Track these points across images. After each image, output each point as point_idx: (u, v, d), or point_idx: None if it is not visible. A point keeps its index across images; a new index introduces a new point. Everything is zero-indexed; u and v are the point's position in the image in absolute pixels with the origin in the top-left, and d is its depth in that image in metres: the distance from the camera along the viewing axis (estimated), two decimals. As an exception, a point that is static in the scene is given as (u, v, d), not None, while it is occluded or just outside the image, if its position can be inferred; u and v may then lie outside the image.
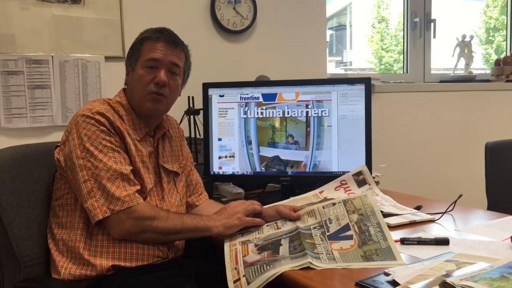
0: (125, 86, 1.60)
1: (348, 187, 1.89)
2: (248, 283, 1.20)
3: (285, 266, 1.22)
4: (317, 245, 1.33)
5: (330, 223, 1.41)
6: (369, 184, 1.89)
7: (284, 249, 1.33)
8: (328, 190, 1.88)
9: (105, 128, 1.42)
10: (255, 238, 1.42)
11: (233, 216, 1.47)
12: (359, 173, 1.91)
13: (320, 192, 1.88)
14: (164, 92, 1.52)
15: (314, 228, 1.41)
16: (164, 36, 1.53)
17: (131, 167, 1.44)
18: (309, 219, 1.45)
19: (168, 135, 1.66)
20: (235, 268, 1.28)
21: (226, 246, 1.40)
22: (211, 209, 1.65)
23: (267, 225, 1.49)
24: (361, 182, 1.90)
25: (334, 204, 1.47)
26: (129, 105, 1.54)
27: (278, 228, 1.46)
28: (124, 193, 1.37)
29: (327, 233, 1.38)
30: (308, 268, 1.22)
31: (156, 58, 1.50)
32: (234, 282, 1.24)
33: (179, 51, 1.55)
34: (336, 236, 1.37)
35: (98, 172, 1.37)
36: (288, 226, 1.45)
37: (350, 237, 1.35)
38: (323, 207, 1.48)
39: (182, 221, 1.42)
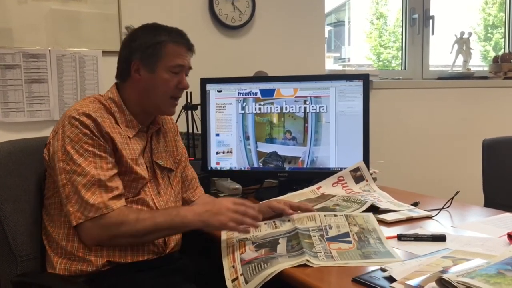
0: (116, 79, 1.57)
1: (346, 183, 1.89)
2: (246, 282, 1.19)
3: (283, 264, 1.22)
4: (315, 245, 1.32)
5: (330, 229, 1.41)
6: (367, 180, 1.90)
7: (281, 247, 1.32)
8: (326, 186, 1.89)
9: (88, 131, 1.38)
10: (253, 236, 1.42)
11: (216, 217, 1.37)
12: (357, 169, 1.91)
13: (318, 188, 1.89)
14: (181, 96, 1.58)
15: (313, 230, 1.41)
16: (185, 41, 1.54)
17: (113, 172, 1.40)
18: (309, 222, 1.44)
19: (162, 131, 1.65)
20: (233, 266, 1.28)
21: (223, 243, 1.40)
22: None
23: (265, 223, 1.48)
24: (358, 178, 1.90)
25: (336, 215, 1.47)
26: (122, 102, 1.51)
27: (276, 228, 1.45)
28: (98, 199, 1.33)
29: (326, 236, 1.38)
30: (306, 265, 1.22)
31: (182, 64, 1.52)
32: (232, 281, 1.23)
33: (192, 54, 1.58)
34: (335, 239, 1.37)
35: (75, 177, 1.35)
36: (287, 227, 1.44)
37: (349, 242, 1.35)
38: (325, 215, 1.47)
39: (154, 221, 1.37)
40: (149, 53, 1.50)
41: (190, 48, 1.55)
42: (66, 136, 1.38)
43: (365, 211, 1.60)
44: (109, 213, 1.34)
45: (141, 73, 1.51)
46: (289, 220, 1.47)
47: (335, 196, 1.79)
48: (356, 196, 1.77)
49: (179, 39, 1.53)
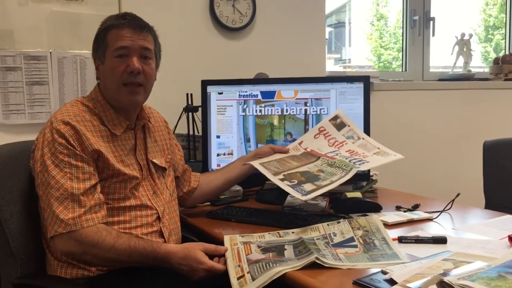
0: (97, 80, 1.54)
1: (327, 132, 1.82)
2: (253, 279, 1.18)
3: (292, 265, 1.21)
4: (322, 250, 1.32)
5: (334, 236, 1.40)
6: (348, 126, 1.82)
7: (289, 253, 1.31)
8: (308, 140, 1.82)
9: (63, 141, 1.35)
10: (257, 240, 1.41)
11: (192, 273, 1.34)
12: (336, 117, 1.84)
13: (300, 143, 1.82)
14: (140, 80, 1.45)
15: (318, 239, 1.39)
16: (128, 22, 1.45)
17: (91, 182, 1.36)
18: (313, 233, 1.43)
19: (152, 128, 1.61)
20: (239, 265, 1.26)
21: (227, 245, 1.39)
22: (210, 181, 1.78)
23: (269, 233, 1.46)
24: (339, 126, 1.83)
25: (339, 222, 1.46)
26: (105, 100, 1.48)
27: (280, 237, 1.44)
28: (69, 215, 1.30)
29: (331, 243, 1.37)
30: (310, 267, 1.21)
31: (124, 46, 1.42)
32: (238, 278, 1.21)
33: (147, 34, 1.47)
34: (340, 245, 1.36)
35: (49, 189, 1.33)
36: (291, 236, 1.42)
37: (355, 246, 1.35)
38: (328, 224, 1.46)
39: (129, 254, 1.33)
40: (98, 45, 1.49)
41: (136, 27, 1.45)
42: (44, 145, 1.37)
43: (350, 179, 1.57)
44: (83, 230, 1.31)
45: (99, 68, 1.49)
46: (293, 232, 1.45)
47: (318, 159, 1.69)
48: (341, 160, 1.65)
49: (120, 21, 1.45)
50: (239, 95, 2.04)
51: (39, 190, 1.37)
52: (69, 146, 1.35)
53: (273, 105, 2.03)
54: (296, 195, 1.49)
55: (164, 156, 1.62)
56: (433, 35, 3.24)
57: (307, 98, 2.01)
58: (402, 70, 3.30)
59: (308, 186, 1.52)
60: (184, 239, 1.59)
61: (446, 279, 0.96)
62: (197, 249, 1.36)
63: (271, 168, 1.66)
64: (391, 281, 1.09)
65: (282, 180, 1.57)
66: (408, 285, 1.03)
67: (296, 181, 1.56)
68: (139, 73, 1.44)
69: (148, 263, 1.37)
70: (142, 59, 1.46)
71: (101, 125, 1.45)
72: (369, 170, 1.94)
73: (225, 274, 1.27)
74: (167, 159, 1.63)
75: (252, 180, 2.15)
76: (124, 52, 1.43)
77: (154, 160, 1.55)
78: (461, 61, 3.37)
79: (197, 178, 1.78)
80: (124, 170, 1.43)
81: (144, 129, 1.57)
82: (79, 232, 1.31)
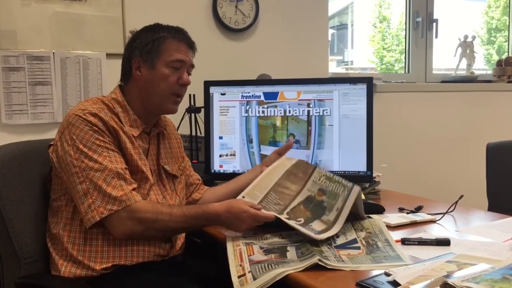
0: (120, 82, 1.56)
1: None
2: (254, 278, 1.17)
3: (295, 266, 1.21)
4: (324, 252, 1.31)
5: (337, 238, 1.40)
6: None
7: (291, 254, 1.31)
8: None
9: (97, 128, 1.39)
10: (259, 241, 1.41)
11: (237, 223, 1.43)
12: None
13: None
14: (183, 93, 1.56)
15: (321, 240, 1.38)
16: (186, 38, 1.54)
17: (126, 166, 1.42)
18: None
19: (166, 135, 1.65)
20: (240, 265, 1.26)
21: (229, 245, 1.38)
22: (212, 193, 1.76)
23: (271, 234, 1.46)
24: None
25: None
26: (125, 102, 1.51)
27: (282, 238, 1.43)
28: (120, 192, 1.34)
29: (334, 244, 1.37)
30: (313, 268, 1.21)
31: (182, 59, 1.51)
32: (239, 277, 1.21)
33: (194, 52, 1.58)
34: (343, 246, 1.36)
35: (93, 173, 1.35)
36: (293, 238, 1.42)
37: (357, 248, 1.34)
38: None
39: (185, 220, 1.40)
40: (148, 49, 1.51)
41: (190, 45, 1.55)
42: (75, 135, 1.38)
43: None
44: (134, 205, 1.34)
45: (141, 70, 1.51)
46: (296, 234, 1.44)
47: (315, 170, 1.57)
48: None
49: (179, 35, 1.53)
50: (242, 96, 2.04)
51: (76, 179, 1.36)
52: (104, 133, 1.40)
53: (275, 106, 2.03)
54: (311, 235, 1.37)
55: (177, 163, 1.65)
56: (436, 37, 3.24)
57: (310, 99, 2.00)
58: (405, 72, 3.30)
59: (317, 225, 1.43)
60: (187, 241, 1.60)
61: (450, 281, 0.96)
62: (240, 201, 1.46)
63: (271, 206, 1.50)
64: (395, 283, 1.09)
65: (288, 219, 1.45)
66: (412, 287, 1.03)
67: (302, 220, 1.45)
68: (186, 86, 1.55)
69: (200, 224, 1.47)
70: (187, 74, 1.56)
71: (120, 123, 1.48)
72: (371, 172, 1.94)
73: (227, 276, 1.27)
74: (180, 166, 1.66)
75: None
76: (179, 65, 1.51)
77: (165, 167, 1.58)
78: (464, 63, 3.37)
79: (202, 191, 1.78)
80: (142, 168, 1.46)
81: (158, 136, 1.61)
82: (135, 208, 1.34)
